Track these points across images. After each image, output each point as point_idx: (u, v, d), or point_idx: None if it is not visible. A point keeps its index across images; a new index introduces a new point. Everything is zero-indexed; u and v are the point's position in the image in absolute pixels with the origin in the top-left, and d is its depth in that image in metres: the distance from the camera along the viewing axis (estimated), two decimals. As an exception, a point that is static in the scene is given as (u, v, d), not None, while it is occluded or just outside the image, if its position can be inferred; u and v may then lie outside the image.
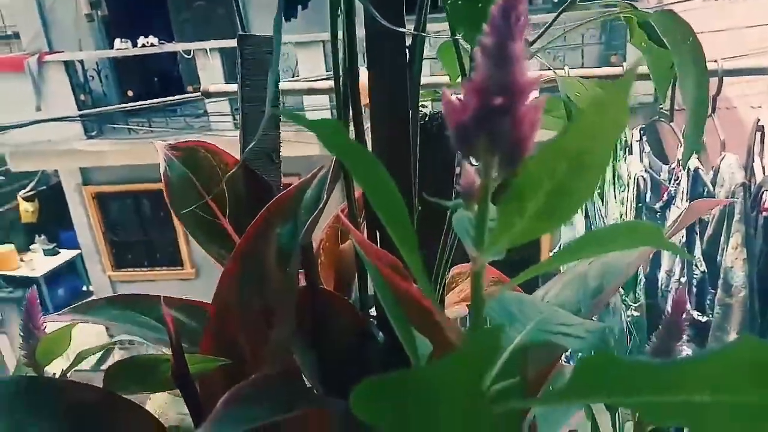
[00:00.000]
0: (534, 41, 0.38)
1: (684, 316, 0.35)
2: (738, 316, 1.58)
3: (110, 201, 7.34)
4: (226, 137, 5.87)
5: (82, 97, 6.46)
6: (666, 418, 0.20)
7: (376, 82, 0.40)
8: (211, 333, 0.42)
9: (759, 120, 1.42)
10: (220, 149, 0.48)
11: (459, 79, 0.39)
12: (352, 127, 0.43)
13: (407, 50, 0.39)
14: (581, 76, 1.67)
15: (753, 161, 1.46)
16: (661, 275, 1.79)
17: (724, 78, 1.67)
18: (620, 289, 1.84)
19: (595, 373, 0.20)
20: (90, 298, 0.45)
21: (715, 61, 1.67)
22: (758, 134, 1.44)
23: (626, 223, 0.29)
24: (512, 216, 0.20)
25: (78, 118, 6.24)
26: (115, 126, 6.39)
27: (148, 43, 6.37)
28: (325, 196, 0.41)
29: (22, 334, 0.42)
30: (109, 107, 6.32)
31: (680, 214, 0.40)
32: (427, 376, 0.17)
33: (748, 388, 0.19)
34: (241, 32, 0.44)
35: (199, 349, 0.41)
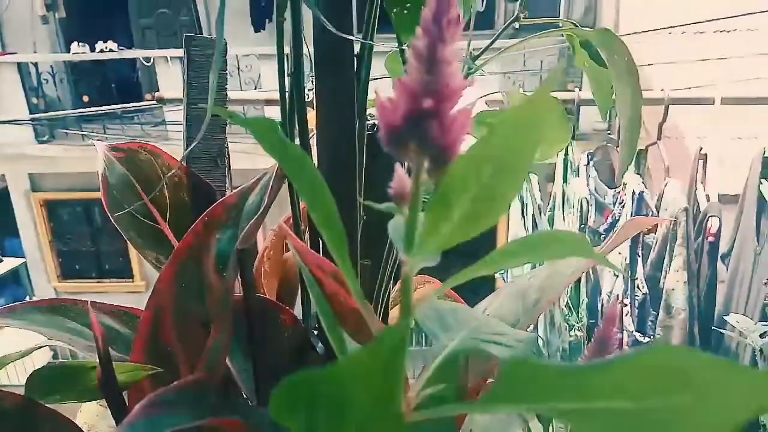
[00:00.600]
0: (477, 56, 0.38)
1: (616, 330, 0.35)
2: (678, 338, 1.64)
3: (59, 208, 7.10)
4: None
5: (35, 100, 6.28)
6: (588, 425, 0.20)
7: (323, 90, 0.39)
8: (143, 340, 0.40)
9: (701, 149, 1.48)
10: (163, 151, 0.47)
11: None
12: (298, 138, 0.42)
13: (355, 59, 0.39)
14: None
15: (696, 188, 1.52)
16: (603, 297, 1.84)
17: (676, 108, 1.74)
18: (564, 309, 1.88)
19: (519, 379, 0.20)
20: (15, 303, 0.43)
21: (662, 89, 1.74)
22: (700, 162, 1.50)
23: (555, 232, 0.29)
24: (440, 219, 0.20)
25: (29, 122, 6.06)
26: (68, 131, 6.22)
27: (106, 48, 6.24)
28: (267, 201, 0.40)
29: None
30: (61, 112, 6.16)
31: (617, 229, 0.41)
32: (339, 374, 0.17)
33: (662, 393, 0.19)
34: (187, 33, 0.44)
35: (131, 357, 0.40)
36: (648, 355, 0.19)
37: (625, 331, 1.76)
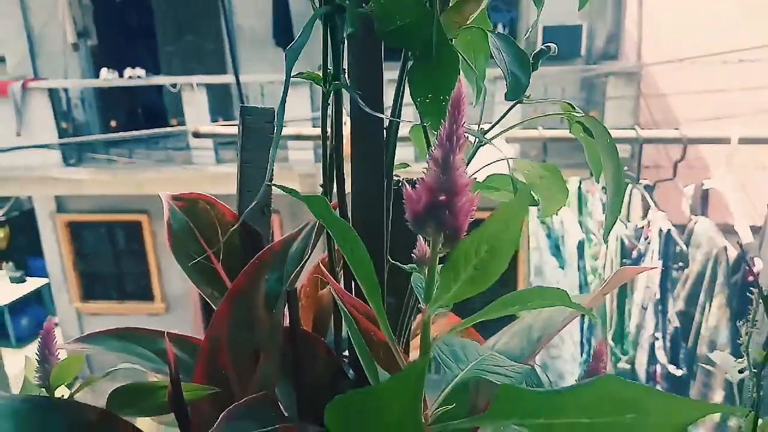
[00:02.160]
0: (486, 131, 0.46)
1: (603, 366, 0.42)
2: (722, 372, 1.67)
3: (83, 230, 7.26)
4: (207, 171, 5.94)
5: (64, 125, 6.48)
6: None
7: (358, 156, 0.47)
8: (203, 366, 0.48)
9: (703, 184, 1.54)
10: (218, 202, 0.55)
11: (426, 156, 0.47)
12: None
13: (384, 131, 0.47)
14: (558, 138, 1.79)
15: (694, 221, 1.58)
16: (632, 329, 1.89)
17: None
18: (611, 342, 1.94)
19: (508, 400, 0.27)
20: (94, 331, 0.50)
21: (677, 128, 1.81)
22: (700, 198, 1.56)
23: (541, 288, 0.35)
24: (450, 281, 0.28)
25: (57, 146, 6.24)
26: (95, 155, 6.40)
27: (134, 74, 6.44)
28: (310, 249, 0.48)
29: (38, 358, 0.48)
30: (89, 136, 6.35)
31: (609, 278, 0.48)
32: (376, 394, 0.24)
33: (612, 412, 0.26)
34: (242, 104, 0.52)
35: (192, 379, 0.47)
36: (600, 383, 0.26)
37: (658, 364, 1.81)
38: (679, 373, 1.70)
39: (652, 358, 1.73)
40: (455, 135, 0.27)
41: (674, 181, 1.72)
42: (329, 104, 0.43)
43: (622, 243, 1.78)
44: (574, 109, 0.46)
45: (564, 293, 0.32)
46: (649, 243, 1.73)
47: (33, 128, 6.21)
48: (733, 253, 1.62)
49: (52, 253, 7.27)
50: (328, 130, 0.45)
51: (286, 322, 0.51)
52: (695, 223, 1.62)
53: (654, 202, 1.77)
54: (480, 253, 0.27)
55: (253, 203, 0.44)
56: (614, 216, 0.43)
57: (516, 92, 0.40)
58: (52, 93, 6.29)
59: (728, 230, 1.68)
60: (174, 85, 6.24)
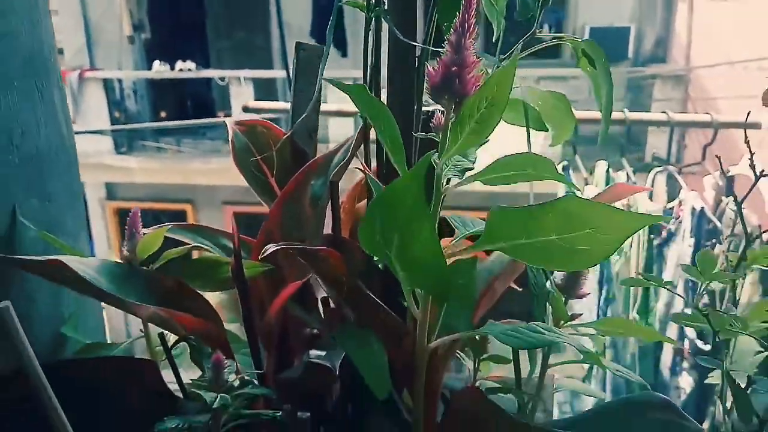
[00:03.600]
0: (504, 58, 0.54)
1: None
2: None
3: (131, 217, 7.52)
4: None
5: (117, 114, 6.75)
6: (533, 256, 0.35)
7: (394, 79, 0.56)
8: (258, 252, 0.57)
9: (729, 171, 1.58)
10: (274, 126, 0.65)
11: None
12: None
13: (417, 59, 0.56)
14: (587, 119, 1.84)
15: (722, 202, 1.61)
16: (661, 306, 1.93)
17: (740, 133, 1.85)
18: (636, 315, 1.99)
19: (498, 223, 0.35)
20: (169, 223, 0.61)
21: (708, 113, 1.85)
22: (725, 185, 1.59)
23: (530, 155, 0.40)
24: (457, 135, 0.36)
25: (110, 133, 6.51)
26: (145, 144, 6.65)
27: (185, 67, 6.67)
28: (349, 159, 0.57)
29: (126, 235, 0.59)
30: (140, 124, 6.61)
31: (603, 191, 0.55)
32: (390, 191, 0.33)
33: (573, 229, 0.34)
34: (297, 41, 0.62)
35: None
36: (562, 201, 0.34)
37: (686, 338, 1.85)
38: (707, 347, 1.73)
39: (681, 333, 1.77)
40: (467, 23, 0.36)
41: (703, 165, 1.75)
42: (370, 30, 0.52)
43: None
44: (577, 39, 0.53)
45: (551, 164, 0.40)
46: (680, 222, 1.76)
47: (87, 117, 6.48)
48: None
49: (101, 238, 7.54)
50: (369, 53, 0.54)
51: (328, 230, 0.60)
52: (726, 204, 1.65)
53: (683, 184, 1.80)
54: (481, 108, 0.35)
55: (299, 123, 0.53)
56: (605, 129, 0.51)
57: (525, 11, 0.48)
58: (107, 83, 6.55)
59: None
60: (222, 79, 6.44)
